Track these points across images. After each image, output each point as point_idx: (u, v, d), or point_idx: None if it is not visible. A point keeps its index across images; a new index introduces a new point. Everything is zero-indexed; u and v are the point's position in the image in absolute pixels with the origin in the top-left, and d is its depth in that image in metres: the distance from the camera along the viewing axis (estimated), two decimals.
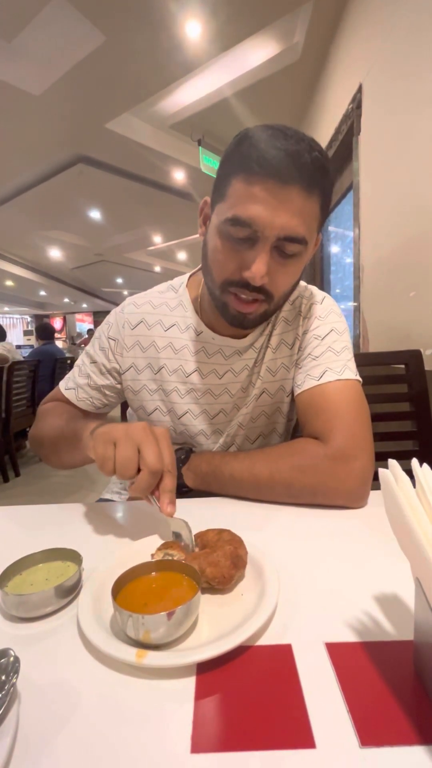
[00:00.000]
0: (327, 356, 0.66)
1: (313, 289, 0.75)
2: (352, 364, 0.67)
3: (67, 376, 0.77)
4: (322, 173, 0.53)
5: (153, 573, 0.38)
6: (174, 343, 0.72)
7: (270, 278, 0.56)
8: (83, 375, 0.75)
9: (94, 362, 0.74)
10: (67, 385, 0.76)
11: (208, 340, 0.70)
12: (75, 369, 0.77)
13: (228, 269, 0.58)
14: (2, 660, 0.27)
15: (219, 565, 0.37)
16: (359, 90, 1.70)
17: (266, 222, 0.52)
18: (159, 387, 0.72)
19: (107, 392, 0.75)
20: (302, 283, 0.75)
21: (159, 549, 0.42)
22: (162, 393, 0.72)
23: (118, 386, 0.75)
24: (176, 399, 0.72)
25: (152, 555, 0.42)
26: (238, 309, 0.60)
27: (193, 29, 2.22)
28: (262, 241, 0.54)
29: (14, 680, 0.26)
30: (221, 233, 0.57)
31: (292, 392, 0.72)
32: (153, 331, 0.72)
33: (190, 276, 0.76)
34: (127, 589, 0.36)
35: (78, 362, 0.77)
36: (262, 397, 0.73)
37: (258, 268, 0.54)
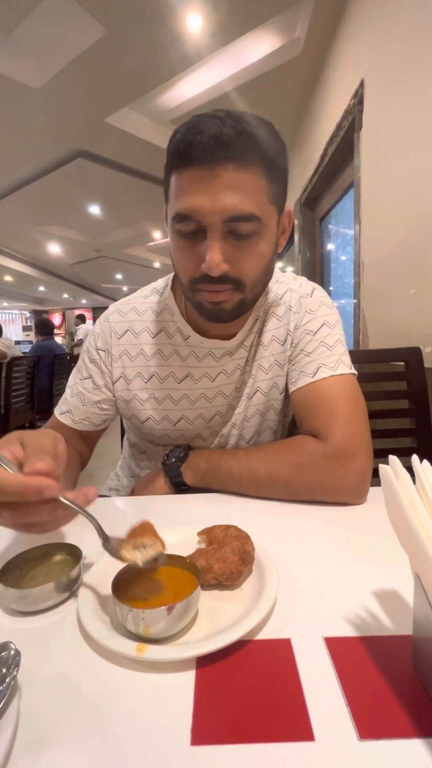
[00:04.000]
0: (320, 351, 0.65)
1: (302, 280, 0.73)
2: (346, 358, 0.66)
3: (60, 399, 0.74)
4: (256, 142, 0.51)
5: None
6: (163, 350, 0.70)
7: (232, 264, 0.54)
8: (76, 395, 0.72)
9: (86, 378, 0.71)
10: (61, 410, 0.73)
11: (197, 344, 0.68)
12: (67, 390, 0.73)
13: (189, 268, 0.56)
14: (3, 653, 0.28)
15: (227, 561, 0.38)
16: (361, 85, 1.69)
17: (204, 209, 0.51)
18: (151, 395, 0.70)
19: (104, 406, 0.72)
20: (291, 274, 0.74)
21: (126, 544, 0.37)
22: (154, 401, 0.70)
23: (114, 398, 0.72)
24: (170, 406, 0.70)
25: (121, 555, 0.36)
26: (210, 300, 0.57)
27: (193, 22, 2.20)
28: (209, 229, 0.52)
29: (15, 673, 0.27)
30: (174, 233, 0.56)
31: (286, 389, 0.71)
32: (141, 339, 0.70)
33: (174, 276, 0.73)
34: (127, 583, 0.36)
35: (69, 382, 0.74)
36: (256, 395, 0.72)
37: (211, 257, 0.52)
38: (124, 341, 0.70)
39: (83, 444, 0.75)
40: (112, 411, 0.74)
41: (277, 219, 0.58)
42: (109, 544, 0.37)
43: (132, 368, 0.70)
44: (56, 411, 0.73)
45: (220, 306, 0.58)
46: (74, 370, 0.74)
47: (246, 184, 0.51)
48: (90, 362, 0.72)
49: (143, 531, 0.37)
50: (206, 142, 0.49)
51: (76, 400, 0.72)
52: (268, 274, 0.61)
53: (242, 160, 0.50)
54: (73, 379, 0.74)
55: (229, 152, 0.49)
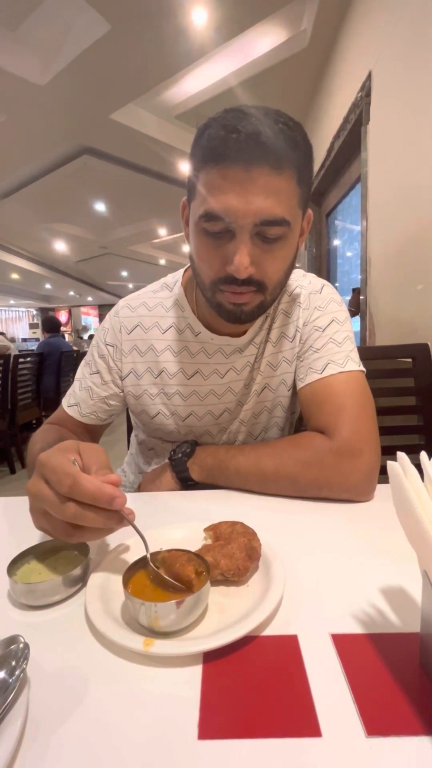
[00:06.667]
0: (329, 348, 0.65)
1: (312, 277, 0.73)
2: (355, 354, 0.65)
3: (68, 391, 0.74)
4: (291, 145, 0.50)
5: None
6: (173, 346, 0.69)
7: (257, 267, 0.54)
8: (84, 389, 0.72)
9: (94, 373, 0.72)
10: (69, 402, 0.73)
11: (207, 340, 0.68)
12: (75, 383, 0.74)
13: (213, 267, 0.55)
14: (12, 646, 0.28)
15: (234, 557, 0.38)
16: (368, 78, 1.67)
17: (238, 210, 0.50)
18: (161, 391, 0.70)
19: (111, 402, 0.72)
20: (300, 271, 0.73)
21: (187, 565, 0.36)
22: (164, 396, 0.71)
23: (122, 394, 0.72)
24: (179, 402, 0.70)
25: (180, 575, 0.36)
26: (232, 301, 0.57)
27: (199, 16, 2.18)
28: (239, 231, 0.51)
29: (24, 666, 0.27)
30: (199, 232, 0.55)
31: (294, 386, 0.70)
32: (150, 334, 0.70)
33: (185, 272, 0.73)
34: (137, 578, 0.36)
35: (78, 375, 0.74)
36: (264, 392, 0.72)
37: (240, 260, 0.51)
38: (134, 336, 0.70)
39: (88, 436, 0.76)
40: (119, 406, 0.74)
41: (301, 222, 0.57)
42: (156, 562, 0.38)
43: (142, 363, 0.70)
44: (64, 403, 0.73)
45: (241, 308, 0.58)
46: (83, 363, 0.74)
47: (280, 187, 0.50)
48: (99, 357, 0.71)
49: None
50: (243, 141, 0.47)
51: (85, 394, 0.72)
52: (287, 276, 0.60)
53: (278, 163, 0.49)
54: (82, 372, 0.73)
55: (266, 154, 0.48)
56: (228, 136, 0.48)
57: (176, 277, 0.73)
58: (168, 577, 0.36)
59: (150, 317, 0.70)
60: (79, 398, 0.72)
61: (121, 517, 0.37)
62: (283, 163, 0.49)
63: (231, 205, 0.50)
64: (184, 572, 0.35)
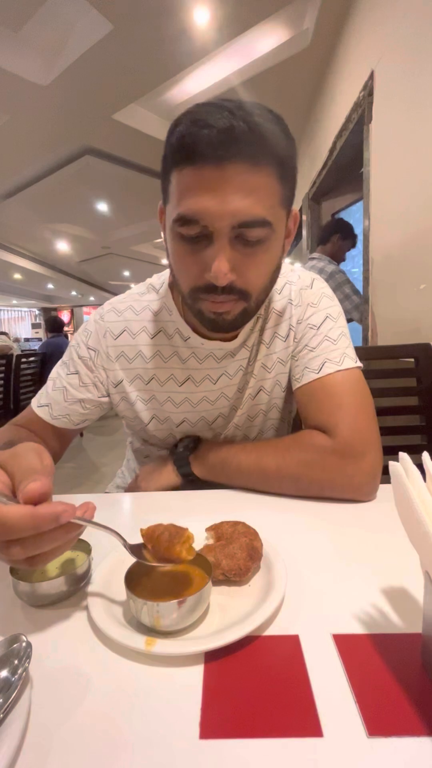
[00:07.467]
0: (324, 346, 0.63)
1: (301, 272, 0.69)
2: (351, 351, 0.64)
3: (40, 391, 0.69)
4: (270, 139, 0.46)
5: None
6: (162, 351, 0.66)
7: (238, 274, 0.50)
8: (58, 389, 0.67)
9: (72, 373, 0.67)
10: (39, 402, 0.67)
11: (197, 345, 0.64)
12: (49, 382, 0.68)
13: (191, 275, 0.52)
14: (15, 645, 0.28)
15: (235, 557, 0.38)
16: (371, 77, 1.66)
17: (214, 212, 0.46)
18: (152, 397, 0.68)
19: (87, 405, 0.68)
20: (287, 265, 0.70)
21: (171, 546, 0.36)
22: (156, 403, 0.68)
23: (102, 399, 0.68)
24: (171, 409, 0.68)
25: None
26: (213, 310, 0.53)
27: (201, 16, 2.18)
28: (216, 235, 0.48)
29: (27, 665, 0.27)
30: (174, 237, 0.51)
31: (289, 385, 0.69)
32: (138, 340, 0.66)
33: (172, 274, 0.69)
34: (139, 577, 0.36)
35: (52, 375, 0.69)
36: (259, 395, 0.69)
37: (218, 266, 0.48)
38: (121, 342, 0.66)
39: (56, 441, 0.70)
40: (95, 411, 0.70)
41: (285, 223, 0.54)
42: (139, 552, 0.37)
43: (130, 370, 0.67)
44: (34, 403, 0.68)
45: (222, 316, 0.54)
46: (59, 364, 0.70)
47: (258, 185, 0.46)
48: (78, 358, 0.67)
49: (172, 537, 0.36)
50: (215, 137, 0.44)
51: (58, 395, 0.67)
52: (273, 281, 0.57)
53: (255, 159, 0.45)
54: (57, 372, 0.69)
55: (241, 150, 0.44)
56: (199, 132, 0.44)
57: (162, 279, 0.69)
58: (157, 563, 0.36)
59: (137, 321, 0.67)
60: (52, 398, 0.67)
61: (78, 525, 0.32)
62: (260, 159, 0.46)
63: (205, 207, 0.46)
64: (172, 553, 0.35)
